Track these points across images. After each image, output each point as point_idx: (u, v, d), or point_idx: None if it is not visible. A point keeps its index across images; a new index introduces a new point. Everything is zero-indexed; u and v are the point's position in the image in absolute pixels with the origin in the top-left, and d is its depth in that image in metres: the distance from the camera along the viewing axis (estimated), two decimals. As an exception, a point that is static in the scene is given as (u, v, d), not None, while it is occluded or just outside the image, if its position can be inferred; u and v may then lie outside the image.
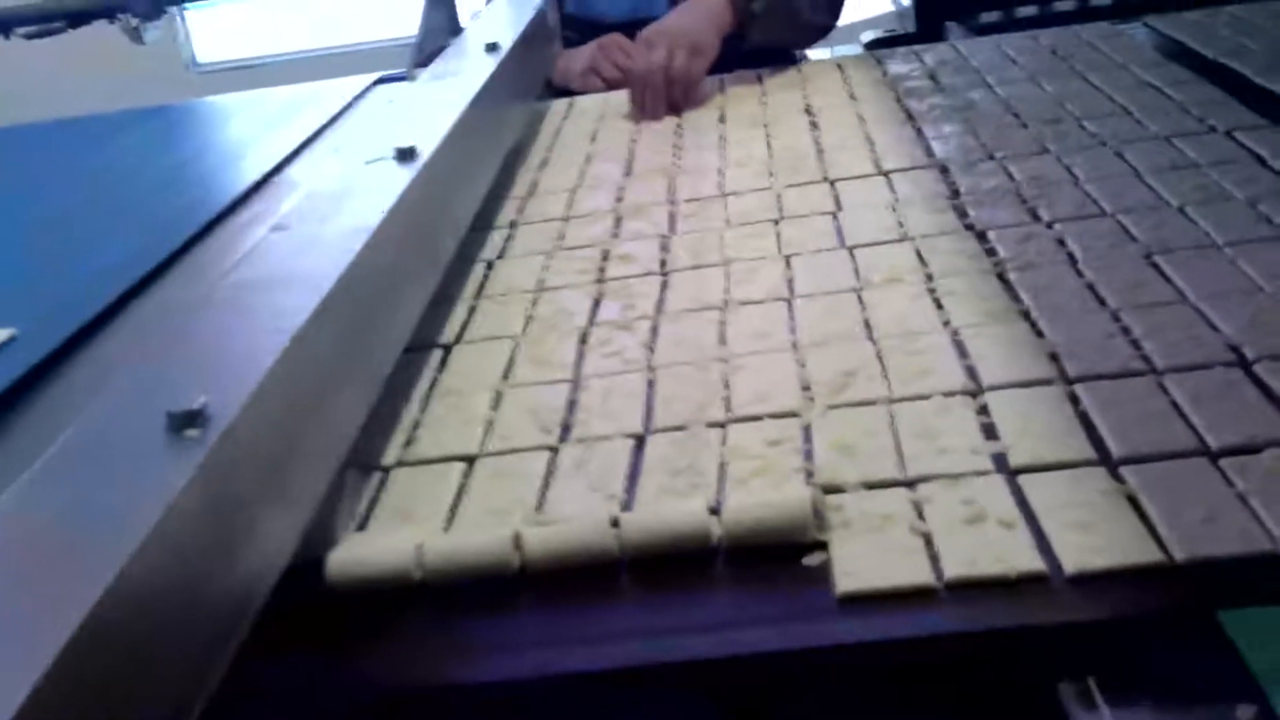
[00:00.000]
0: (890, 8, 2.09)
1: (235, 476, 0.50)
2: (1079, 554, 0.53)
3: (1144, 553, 0.53)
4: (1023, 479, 0.59)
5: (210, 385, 0.52)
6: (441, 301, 0.91)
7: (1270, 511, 0.53)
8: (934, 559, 0.55)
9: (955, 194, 0.97)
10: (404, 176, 0.83)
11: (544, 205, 1.10)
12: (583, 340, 0.82)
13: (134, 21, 2.08)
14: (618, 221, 1.03)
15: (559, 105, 1.46)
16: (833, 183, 1.04)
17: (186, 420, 0.49)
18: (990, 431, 0.64)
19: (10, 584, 0.42)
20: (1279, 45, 1.23)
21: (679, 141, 1.24)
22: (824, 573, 0.56)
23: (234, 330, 0.61)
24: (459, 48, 1.29)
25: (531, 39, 1.39)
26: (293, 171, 1.14)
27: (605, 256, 0.96)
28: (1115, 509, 0.56)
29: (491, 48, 1.23)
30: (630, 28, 1.60)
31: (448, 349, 0.84)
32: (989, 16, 1.77)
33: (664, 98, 1.34)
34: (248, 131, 1.36)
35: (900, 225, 0.93)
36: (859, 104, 1.27)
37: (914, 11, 1.96)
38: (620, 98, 1.41)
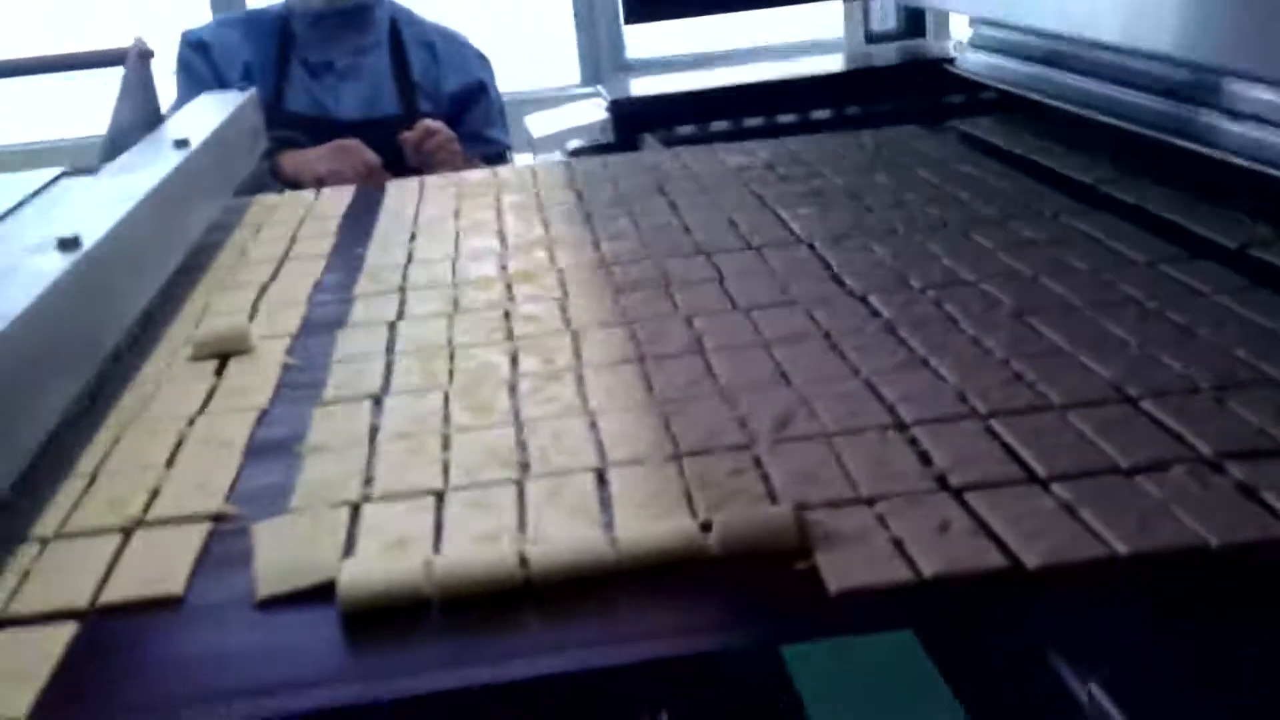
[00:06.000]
0: (596, 118, 2.16)
1: None
2: (1043, 554, 0.61)
3: (1094, 549, 0.61)
4: (969, 495, 0.67)
5: None
6: (355, 359, 0.94)
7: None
8: (910, 561, 0.61)
9: (828, 266, 1.06)
10: (61, 265, 0.84)
11: (430, 272, 1.14)
12: (512, 391, 0.86)
13: None
14: (509, 287, 1.08)
15: (409, 185, 1.50)
16: (709, 255, 1.12)
17: None
18: (926, 459, 0.71)
19: None
20: (1073, 141, 1.39)
21: (546, 217, 1.29)
22: (813, 577, 0.61)
23: None
24: (150, 143, 1.32)
25: (230, 135, 1.43)
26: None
27: (508, 316, 1.00)
28: (1056, 518, 0.64)
29: (181, 143, 1.27)
30: (362, 127, 1.90)
31: (378, 399, 0.86)
32: (685, 129, 1.85)
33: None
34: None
35: (784, 292, 1.01)
36: (710, 190, 1.36)
37: (612, 124, 2.04)
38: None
